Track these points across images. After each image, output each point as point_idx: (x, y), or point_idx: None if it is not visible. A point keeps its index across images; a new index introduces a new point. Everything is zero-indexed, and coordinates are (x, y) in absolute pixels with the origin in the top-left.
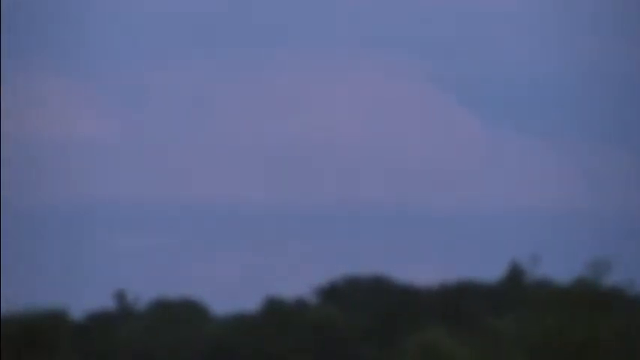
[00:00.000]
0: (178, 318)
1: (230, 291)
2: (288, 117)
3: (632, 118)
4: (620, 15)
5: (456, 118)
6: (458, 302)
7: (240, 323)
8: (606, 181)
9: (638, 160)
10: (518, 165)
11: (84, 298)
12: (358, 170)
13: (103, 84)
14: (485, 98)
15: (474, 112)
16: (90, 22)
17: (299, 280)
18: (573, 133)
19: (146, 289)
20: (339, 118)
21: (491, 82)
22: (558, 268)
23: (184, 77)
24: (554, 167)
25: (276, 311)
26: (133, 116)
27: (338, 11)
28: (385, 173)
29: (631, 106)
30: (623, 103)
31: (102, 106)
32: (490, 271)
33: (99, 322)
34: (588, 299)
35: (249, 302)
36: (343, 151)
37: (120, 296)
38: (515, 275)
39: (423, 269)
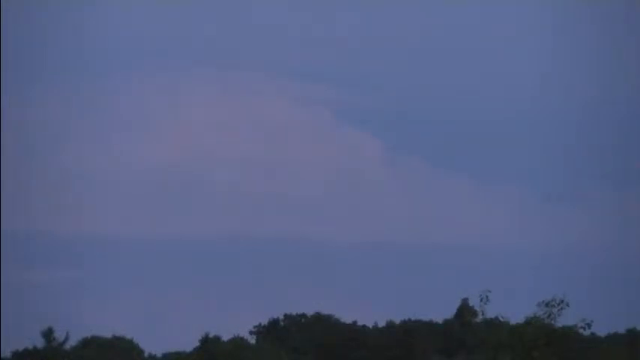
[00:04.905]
0: (111, 357)
1: (165, 329)
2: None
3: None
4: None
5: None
6: (406, 341)
7: None
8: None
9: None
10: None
11: (10, 336)
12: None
13: None
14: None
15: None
16: None
17: (236, 319)
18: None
19: (75, 326)
20: (239, 145)
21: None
22: (510, 306)
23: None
24: (483, 206)
25: (212, 351)
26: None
27: (243, 37)
28: (287, 204)
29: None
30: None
31: None
32: (437, 309)
33: None
34: (542, 339)
35: (185, 341)
36: (236, 181)
37: (48, 334)
38: (464, 314)
39: (363, 307)
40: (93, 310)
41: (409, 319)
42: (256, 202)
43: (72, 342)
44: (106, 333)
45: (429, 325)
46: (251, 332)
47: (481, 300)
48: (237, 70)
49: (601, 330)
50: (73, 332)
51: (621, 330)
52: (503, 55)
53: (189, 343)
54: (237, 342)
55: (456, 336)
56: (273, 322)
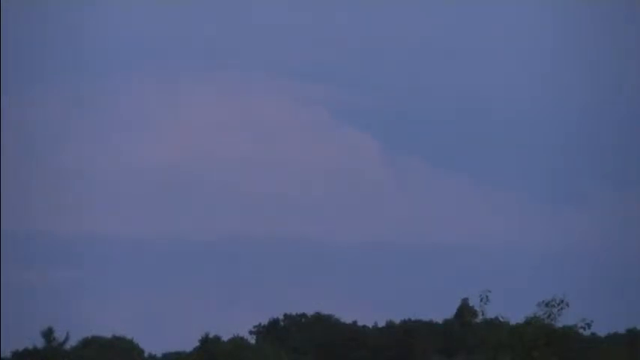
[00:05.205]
0: (111, 357)
1: (165, 329)
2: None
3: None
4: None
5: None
6: (406, 341)
7: None
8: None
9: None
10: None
11: (10, 336)
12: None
13: None
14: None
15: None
16: None
17: (236, 319)
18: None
19: (75, 326)
20: (237, 145)
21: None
22: (510, 306)
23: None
24: (485, 205)
25: (212, 351)
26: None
27: (243, 37)
28: (288, 204)
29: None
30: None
31: None
32: (436, 310)
33: None
34: (542, 339)
35: (185, 341)
36: (236, 181)
37: (48, 334)
38: (464, 314)
39: (363, 307)
40: (93, 310)
41: (409, 319)
42: (256, 202)
43: (72, 342)
44: (106, 333)
45: (429, 325)
46: (251, 332)
47: (481, 300)
48: (237, 70)
49: (601, 330)
50: (73, 332)
51: (621, 330)
52: (503, 55)
53: (189, 343)
54: (237, 342)
55: (456, 336)
56: (273, 322)
